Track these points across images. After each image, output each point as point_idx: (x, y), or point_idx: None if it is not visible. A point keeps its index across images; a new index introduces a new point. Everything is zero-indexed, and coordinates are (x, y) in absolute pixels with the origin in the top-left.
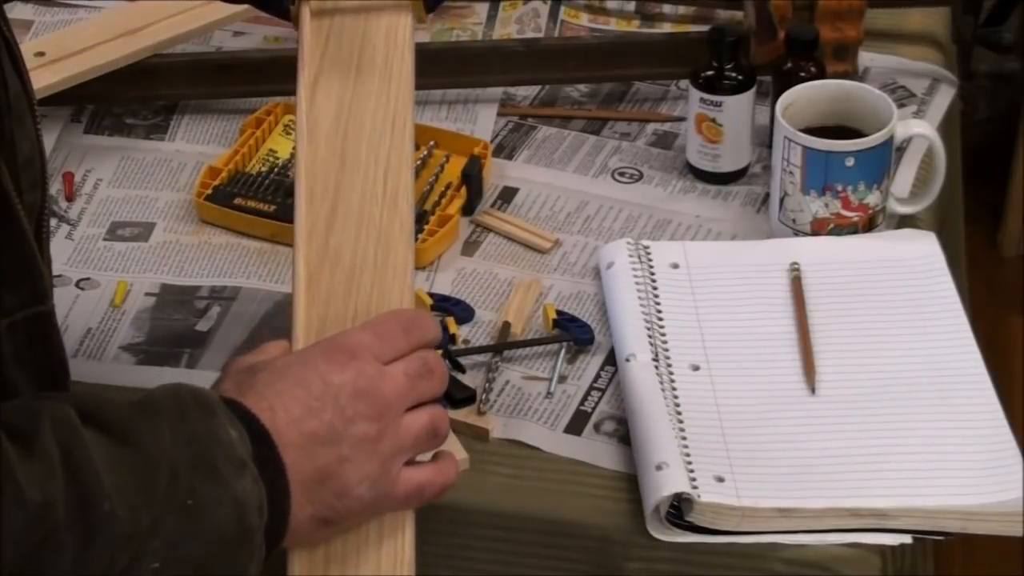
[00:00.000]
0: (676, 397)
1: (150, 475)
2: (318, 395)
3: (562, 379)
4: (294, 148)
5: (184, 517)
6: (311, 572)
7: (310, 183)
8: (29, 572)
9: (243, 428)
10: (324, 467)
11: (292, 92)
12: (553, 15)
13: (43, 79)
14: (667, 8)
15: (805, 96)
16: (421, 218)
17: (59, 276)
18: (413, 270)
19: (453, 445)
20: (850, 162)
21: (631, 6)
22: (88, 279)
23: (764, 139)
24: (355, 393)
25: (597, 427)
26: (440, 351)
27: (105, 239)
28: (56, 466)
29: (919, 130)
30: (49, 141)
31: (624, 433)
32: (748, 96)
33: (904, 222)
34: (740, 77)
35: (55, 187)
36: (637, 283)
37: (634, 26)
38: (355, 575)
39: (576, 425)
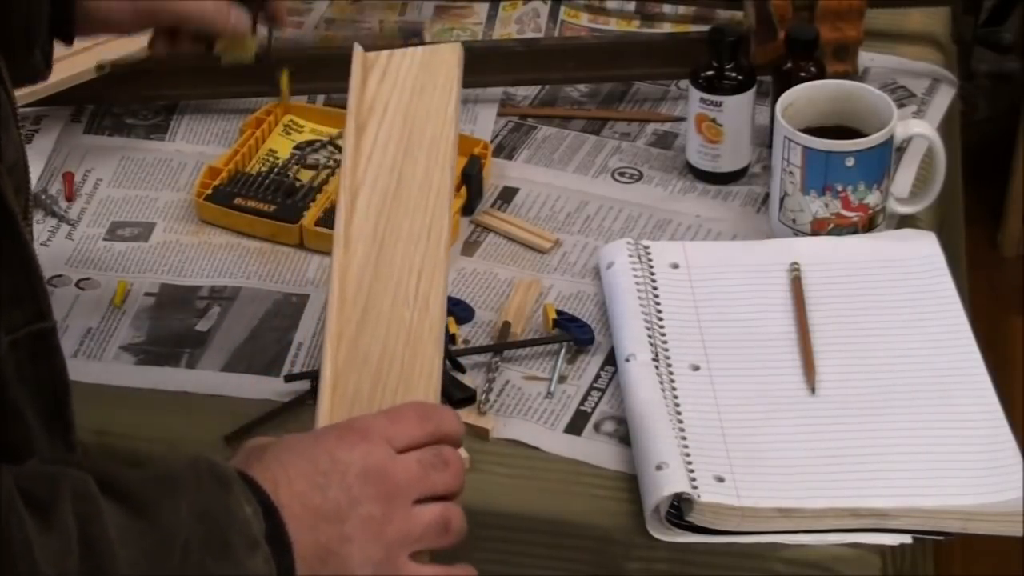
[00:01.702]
0: (676, 397)
1: (165, 552)
2: (324, 471)
3: (562, 379)
4: (296, 155)
5: None
6: None
7: (342, 288)
8: None
9: (257, 504)
10: (326, 544)
11: (292, 92)
12: (553, 15)
13: None
14: (667, 8)
15: (805, 96)
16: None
17: (59, 276)
18: (440, 372)
19: None
20: (850, 162)
21: (631, 6)
22: (88, 279)
23: (764, 139)
24: (363, 472)
25: (597, 427)
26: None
27: (105, 239)
28: (73, 541)
29: (919, 130)
30: (49, 141)
31: (624, 433)
32: (748, 96)
33: (904, 222)
34: (740, 77)
35: (55, 187)
36: (637, 283)
37: (634, 26)
38: None
39: (576, 425)
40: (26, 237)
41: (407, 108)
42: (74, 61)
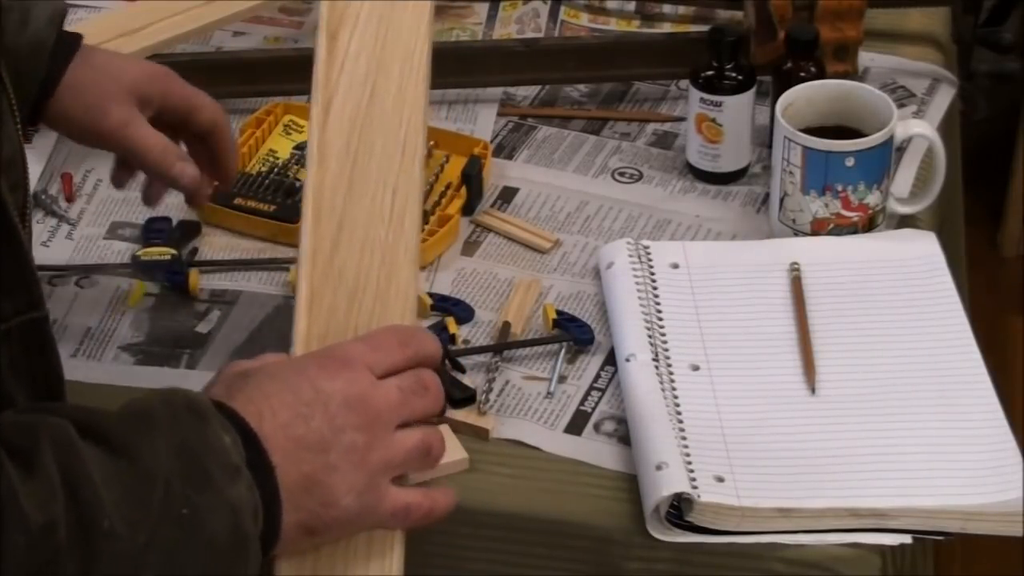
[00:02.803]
0: (676, 397)
1: (147, 489)
2: (307, 401)
3: (562, 379)
4: (296, 155)
5: (180, 528)
6: None
7: (317, 204)
8: None
9: (236, 433)
10: (311, 474)
11: (292, 92)
12: (553, 15)
13: None
14: (667, 8)
15: (805, 96)
16: (421, 218)
17: (59, 275)
18: (416, 291)
19: (453, 445)
20: (850, 162)
21: (631, 6)
22: (88, 278)
23: (764, 139)
24: (345, 401)
25: (597, 427)
26: (441, 357)
27: (105, 239)
28: (56, 486)
29: (919, 130)
30: (49, 141)
31: (624, 433)
32: (748, 96)
33: (904, 222)
34: (740, 77)
35: (55, 187)
36: (637, 283)
37: (634, 26)
38: None
39: (576, 425)
40: (16, 226)
41: (380, 19)
42: None
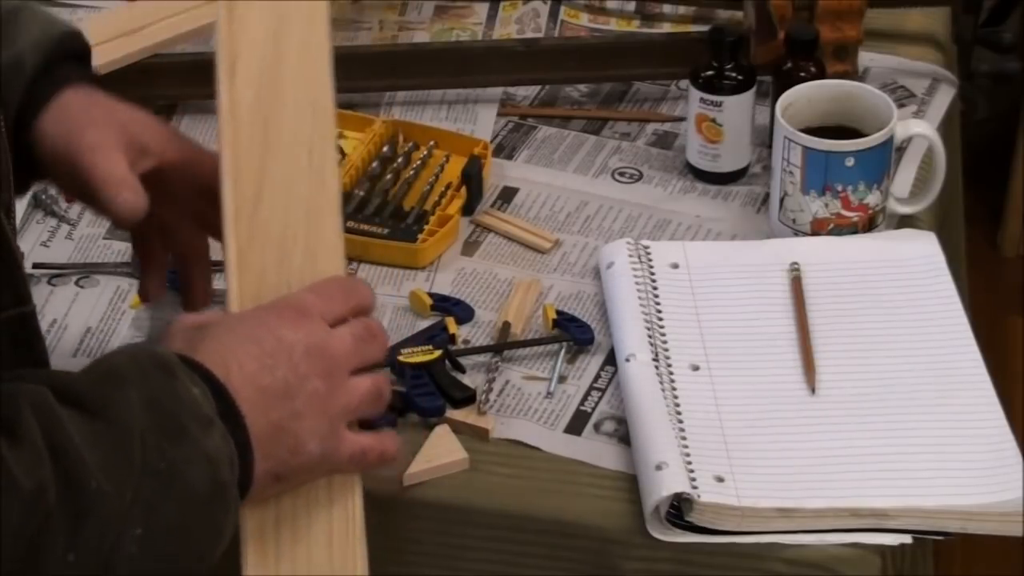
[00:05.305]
0: (676, 397)
1: (127, 447)
2: (271, 351)
3: (562, 379)
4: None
5: (159, 481)
6: (263, 532)
7: (235, 163)
8: (27, 560)
9: (205, 385)
10: (278, 422)
11: None
12: (553, 15)
13: None
14: (667, 8)
15: (805, 96)
16: (421, 218)
17: (60, 275)
18: (343, 244)
19: (453, 445)
20: (850, 162)
21: (631, 6)
22: (88, 277)
23: (764, 139)
24: (307, 350)
25: (597, 427)
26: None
27: (105, 238)
28: (42, 451)
29: (919, 130)
30: None
31: (624, 433)
32: (748, 96)
33: (904, 222)
34: (740, 77)
35: (55, 187)
36: (637, 283)
37: (634, 26)
38: (308, 535)
39: (576, 425)
40: (3, 223)
41: None
42: None
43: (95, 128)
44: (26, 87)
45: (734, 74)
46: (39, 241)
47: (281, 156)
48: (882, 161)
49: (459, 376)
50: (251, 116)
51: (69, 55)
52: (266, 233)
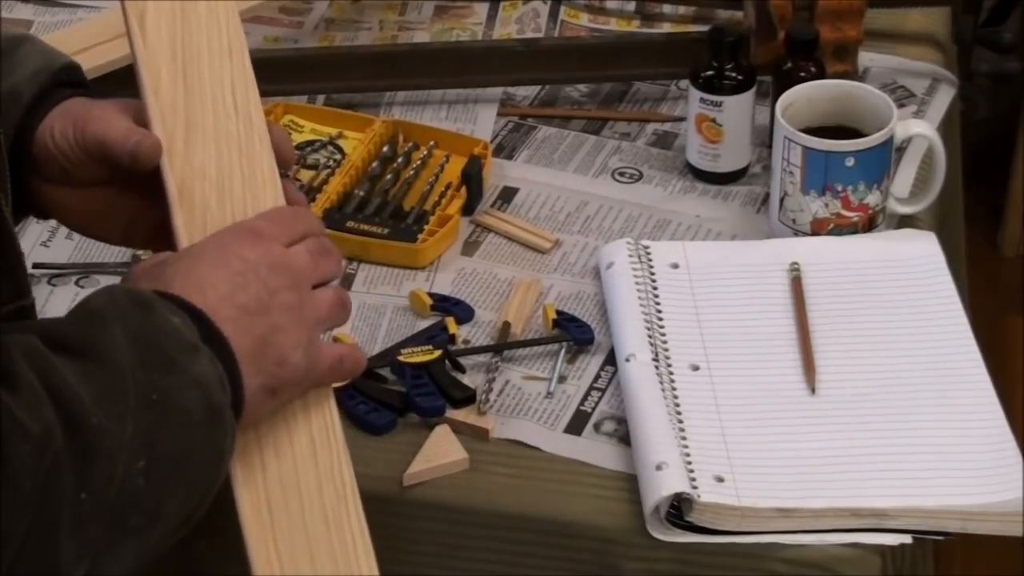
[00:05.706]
0: (676, 397)
1: (119, 382)
2: (239, 271)
3: (562, 379)
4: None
5: (154, 413)
6: (246, 455)
7: (160, 106)
8: (41, 502)
9: (184, 314)
10: (261, 336)
11: (292, 92)
12: (553, 15)
13: None
14: (667, 8)
15: (805, 96)
16: (421, 218)
17: (60, 275)
18: (279, 179)
19: (453, 445)
20: (850, 162)
21: (631, 6)
22: (88, 277)
23: (764, 139)
24: (271, 266)
25: (597, 427)
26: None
27: None
28: (41, 393)
29: (919, 130)
30: None
31: (624, 433)
32: (748, 96)
33: (904, 222)
34: (740, 77)
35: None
36: (637, 283)
37: (634, 26)
38: (291, 449)
39: (576, 425)
40: (5, 213)
41: None
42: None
43: (99, 108)
44: (23, 113)
45: (734, 74)
46: (39, 241)
47: (205, 98)
48: (882, 161)
49: (459, 376)
50: (169, 67)
51: (66, 86)
52: (203, 172)
